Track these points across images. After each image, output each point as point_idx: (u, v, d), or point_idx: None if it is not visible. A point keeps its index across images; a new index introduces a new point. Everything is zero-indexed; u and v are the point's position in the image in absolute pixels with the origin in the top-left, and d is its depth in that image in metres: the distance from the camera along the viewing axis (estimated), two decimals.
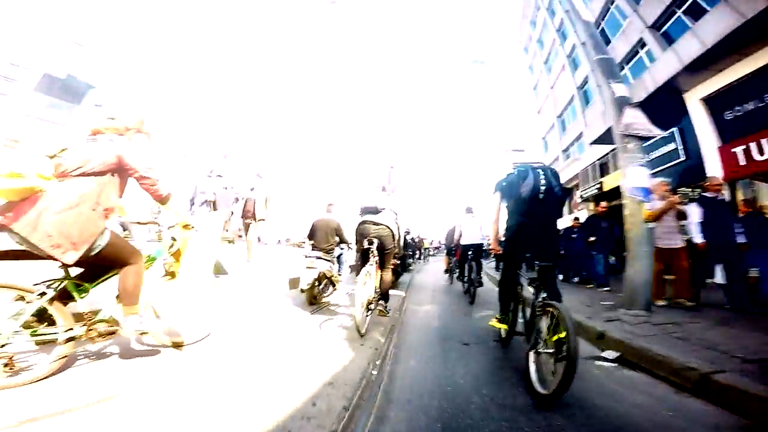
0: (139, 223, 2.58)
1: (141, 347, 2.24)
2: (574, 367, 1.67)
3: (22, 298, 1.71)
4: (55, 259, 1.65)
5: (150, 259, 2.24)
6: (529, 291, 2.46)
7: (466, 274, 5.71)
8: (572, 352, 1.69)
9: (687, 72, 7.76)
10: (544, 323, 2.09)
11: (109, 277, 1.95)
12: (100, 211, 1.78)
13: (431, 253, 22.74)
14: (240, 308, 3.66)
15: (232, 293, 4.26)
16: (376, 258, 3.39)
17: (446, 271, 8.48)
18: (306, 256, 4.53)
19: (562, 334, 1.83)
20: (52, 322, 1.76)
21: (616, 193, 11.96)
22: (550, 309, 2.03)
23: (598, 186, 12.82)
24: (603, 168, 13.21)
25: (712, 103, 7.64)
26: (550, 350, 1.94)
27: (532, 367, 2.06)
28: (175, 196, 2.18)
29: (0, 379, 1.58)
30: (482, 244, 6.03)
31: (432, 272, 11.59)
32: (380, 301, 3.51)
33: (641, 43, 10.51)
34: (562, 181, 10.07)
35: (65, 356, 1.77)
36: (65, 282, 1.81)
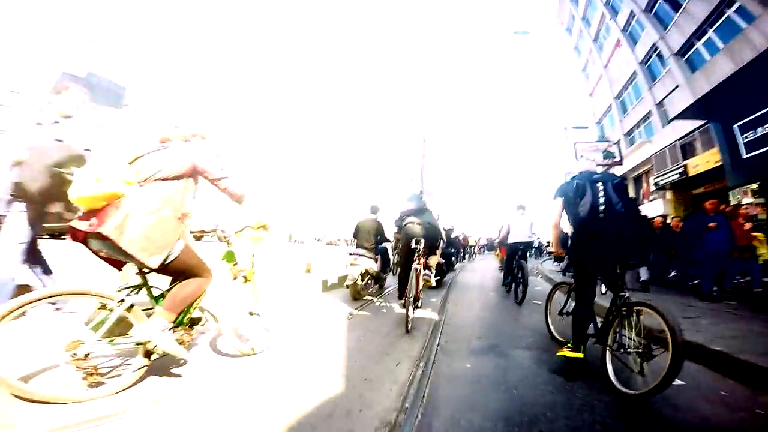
0: (203, 232, 2.81)
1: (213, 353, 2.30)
2: (681, 362, 1.67)
3: (103, 306, 1.71)
4: (141, 263, 1.66)
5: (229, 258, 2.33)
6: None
7: (514, 273, 5.49)
8: (678, 344, 1.69)
9: None
10: (629, 323, 2.09)
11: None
12: (179, 215, 1.81)
13: (477, 251, 21.68)
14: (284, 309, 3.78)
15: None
16: (423, 257, 3.55)
17: (501, 269, 7.95)
18: (350, 254, 4.86)
19: (663, 331, 1.80)
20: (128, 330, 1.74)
21: (705, 177, 10.43)
22: (640, 308, 2.03)
23: (681, 170, 11.25)
24: (686, 149, 11.59)
25: None
26: (639, 349, 1.96)
27: (610, 368, 2.06)
28: (249, 195, 2.15)
29: (85, 391, 1.56)
30: (532, 242, 5.79)
31: (480, 271, 10.75)
32: (427, 273, 3.66)
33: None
34: (627, 169, 14.12)
35: (146, 365, 1.76)
36: (145, 289, 1.83)
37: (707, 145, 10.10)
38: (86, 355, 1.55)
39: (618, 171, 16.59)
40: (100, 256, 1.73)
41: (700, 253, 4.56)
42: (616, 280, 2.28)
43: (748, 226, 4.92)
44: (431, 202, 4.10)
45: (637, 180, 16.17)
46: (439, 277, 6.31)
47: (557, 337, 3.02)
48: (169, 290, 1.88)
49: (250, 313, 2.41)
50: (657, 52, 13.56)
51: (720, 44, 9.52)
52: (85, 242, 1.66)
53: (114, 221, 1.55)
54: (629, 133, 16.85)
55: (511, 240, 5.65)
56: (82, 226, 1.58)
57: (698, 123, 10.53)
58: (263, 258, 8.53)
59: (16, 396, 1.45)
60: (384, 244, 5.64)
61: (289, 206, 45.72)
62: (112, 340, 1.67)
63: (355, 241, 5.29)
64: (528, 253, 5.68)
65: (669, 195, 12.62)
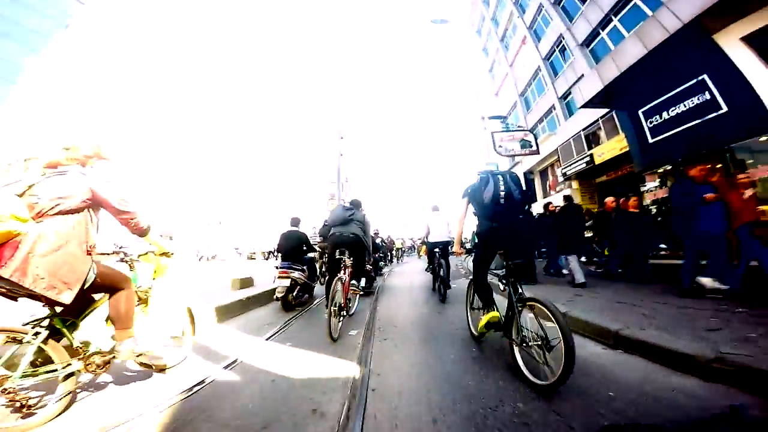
0: (103, 254, 2.22)
1: (130, 372, 2.36)
2: (573, 355, 1.76)
3: (13, 340, 1.71)
4: (51, 302, 1.67)
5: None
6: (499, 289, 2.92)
7: (436, 272, 5.66)
8: (569, 340, 1.78)
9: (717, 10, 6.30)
10: (526, 317, 2.22)
11: (94, 309, 1.98)
12: (85, 248, 1.77)
13: (403, 253, 20.67)
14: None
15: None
16: (349, 267, 3.72)
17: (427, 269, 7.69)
18: (277, 267, 4.97)
19: (552, 325, 1.91)
20: (47, 360, 1.77)
21: (611, 164, 10.70)
22: (532, 303, 2.15)
23: (587, 159, 11.47)
24: (590, 138, 11.92)
25: (757, 41, 6.25)
26: (539, 342, 2.05)
27: (520, 361, 2.18)
28: (154, 225, 2.12)
29: (15, 422, 1.61)
30: (449, 242, 5.81)
31: (408, 274, 9.93)
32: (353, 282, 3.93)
33: None
34: (534, 163, 16.75)
35: (70, 392, 1.81)
36: (53, 319, 1.81)
37: (612, 132, 10.31)
38: (13, 390, 1.60)
39: (528, 163, 17.13)
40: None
41: (688, 234, 3.47)
42: (509, 276, 2.44)
43: (749, 193, 3.56)
44: (361, 210, 4.39)
45: (543, 173, 16.81)
46: (368, 284, 6.15)
47: (472, 330, 3.08)
48: (90, 312, 1.97)
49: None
50: (560, 45, 13.99)
51: (624, 32, 9.66)
52: None
53: (13, 263, 1.52)
54: (533, 128, 17.51)
55: (430, 239, 5.78)
56: None
57: (602, 112, 10.74)
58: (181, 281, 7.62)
59: None
60: (310, 254, 5.75)
61: (199, 220, 39.33)
62: (35, 371, 1.69)
63: (280, 254, 5.41)
64: (449, 252, 5.81)
65: (575, 184, 13.01)
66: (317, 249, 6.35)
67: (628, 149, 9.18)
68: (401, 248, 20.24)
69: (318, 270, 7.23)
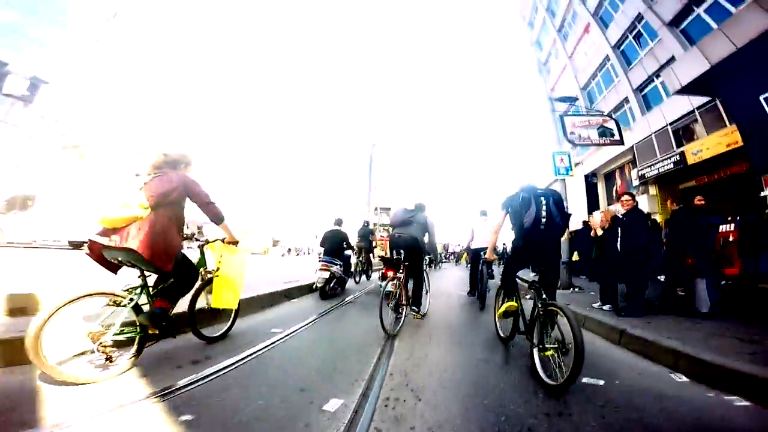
0: (186, 237, 2.60)
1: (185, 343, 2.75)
2: (582, 360, 1.91)
3: (113, 303, 2.14)
4: (158, 269, 2.22)
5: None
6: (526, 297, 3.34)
7: (478, 279, 5.50)
8: (579, 344, 1.94)
9: None
10: (546, 322, 2.39)
11: (167, 286, 2.42)
12: (180, 231, 2.39)
13: (444, 259, 19.51)
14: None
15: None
16: (405, 265, 3.85)
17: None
18: (320, 260, 5.63)
19: (567, 331, 2.05)
20: (130, 324, 2.18)
21: (708, 165, 8.84)
22: (552, 308, 2.33)
23: (676, 158, 9.62)
24: (682, 134, 10.03)
25: None
26: (554, 345, 2.23)
27: (538, 362, 2.32)
28: (227, 218, 2.69)
29: (99, 373, 2.00)
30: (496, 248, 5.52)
31: (448, 280, 9.10)
32: (413, 307, 4.02)
33: None
34: (600, 164, 14.71)
35: (141, 352, 2.22)
36: (143, 289, 2.29)
37: (714, 125, 8.50)
38: (105, 344, 2.00)
39: (592, 164, 15.19)
40: (101, 263, 2.19)
41: None
42: (536, 283, 2.65)
43: None
44: (423, 214, 4.38)
45: (609, 176, 14.82)
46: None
47: (500, 332, 3.28)
48: (164, 287, 2.40)
49: (209, 307, 2.94)
50: (635, 31, 12.17)
51: (730, 6, 7.91)
52: (99, 254, 2.15)
53: (138, 239, 2.05)
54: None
55: (474, 246, 5.71)
56: (104, 240, 2.08)
57: (697, 102, 8.93)
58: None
59: (53, 380, 1.82)
60: (347, 252, 6.25)
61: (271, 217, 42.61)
62: (122, 331, 2.11)
63: (323, 248, 5.96)
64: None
65: (653, 190, 11.11)
66: (354, 247, 6.82)
67: (739, 145, 7.42)
68: (441, 253, 19.14)
69: (353, 267, 7.62)
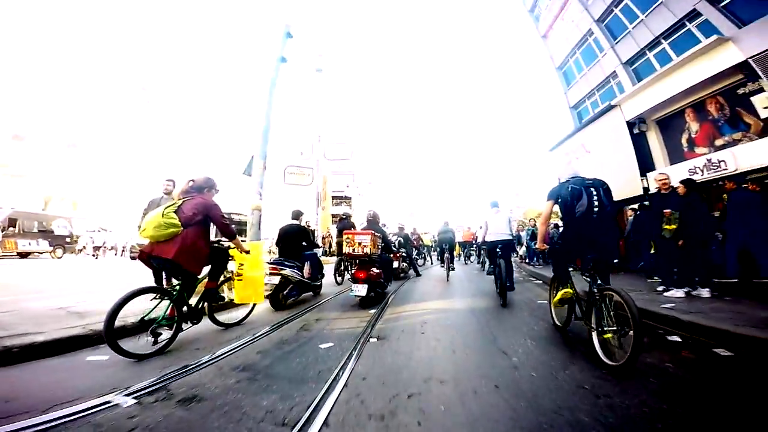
0: (213, 243, 3.46)
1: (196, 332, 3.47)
2: (642, 338, 2.12)
3: (161, 297, 2.99)
4: (191, 274, 3.05)
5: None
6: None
7: (496, 273, 5.42)
8: (639, 326, 2.11)
9: None
10: (604, 306, 2.51)
11: (209, 272, 3.46)
12: (207, 245, 3.15)
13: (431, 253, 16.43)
14: None
15: None
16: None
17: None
18: (268, 263, 4.85)
19: (626, 313, 2.21)
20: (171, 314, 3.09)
21: None
22: (608, 292, 2.49)
23: None
24: None
25: None
26: (614, 328, 2.38)
27: (597, 345, 2.49)
28: (235, 234, 3.49)
29: (148, 349, 2.77)
30: (511, 240, 5.78)
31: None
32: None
33: None
34: (650, 105, 11.21)
35: (177, 334, 3.04)
36: (182, 287, 3.11)
37: None
38: (153, 327, 2.87)
39: (635, 106, 11.30)
40: (149, 266, 3.11)
41: None
42: (592, 270, 2.79)
43: None
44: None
45: (670, 122, 10.84)
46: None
47: (555, 321, 3.48)
48: (208, 273, 3.46)
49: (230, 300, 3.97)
50: None
51: None
52: (146, 260, 3.00)
53: (175, 251, 2.81)
54: (653, 44, 11.64)
55: (489, 238, 5.69)
56: (155, 250, 2.88)
57: None
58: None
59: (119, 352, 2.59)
60: (314, 250, 5.73)
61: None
62: (165, 318, 2.98)
63: (278, 248, 5.53)
64: (511, 251, 5.89)
65: None
66: (320, 245, 7.02)
67: None
68: (430, 246, 16.21)
69: (335, 268, 7.69)
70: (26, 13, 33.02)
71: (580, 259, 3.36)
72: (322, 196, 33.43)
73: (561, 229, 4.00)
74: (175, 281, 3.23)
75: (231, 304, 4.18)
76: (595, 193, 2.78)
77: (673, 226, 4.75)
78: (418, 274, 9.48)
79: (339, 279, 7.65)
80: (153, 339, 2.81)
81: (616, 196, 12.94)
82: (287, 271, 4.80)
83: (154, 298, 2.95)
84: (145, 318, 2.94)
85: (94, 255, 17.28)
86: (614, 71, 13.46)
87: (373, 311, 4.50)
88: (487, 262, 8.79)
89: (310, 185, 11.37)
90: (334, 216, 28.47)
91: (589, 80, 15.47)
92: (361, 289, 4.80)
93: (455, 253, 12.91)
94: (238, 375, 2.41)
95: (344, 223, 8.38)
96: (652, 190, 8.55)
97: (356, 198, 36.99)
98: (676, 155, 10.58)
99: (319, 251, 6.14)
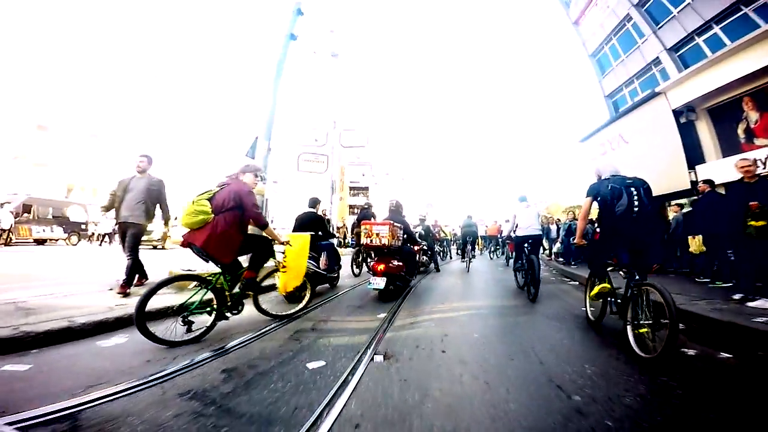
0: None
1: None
2: (677, 331, 2.16)
3: (200, 285, 2.97)
4: (219, 261, 2.97)
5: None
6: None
7: (526, 267, 5.20)
8: (675, 320, 2.15)
9: None
10: (640, 300, 2.57)
11: (250, 261, 3.36)
12: (240, 233, 3.06)
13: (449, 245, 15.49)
14: None
15: None
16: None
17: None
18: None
19: (662, 307, 2.28)
20: (209, 301, 3.01)
21: None
22: (645, 287, 2.55)
23: None
24: None
25: None
26: (649, 321, 2.45)
27: (632, 338, 2.57)
28: (269, 224, 3.49)
29: (182, 336, 2.71)
30: (540, 235, 5.70)
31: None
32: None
33: None
34: (702, 92, 9.70)
35: (214, 323, 3.00)
36: (221, 275, 3.04)
37: None
38: (188, 315, 2.79)
39: (685, 93, 10.20)
40: (198, 254, 2.99)
41: None
42: (630, 266, 2.87)
43: None
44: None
45: (724, 111, 9.77)
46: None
47: (589, 316, 3.53)
48: (250, 262, 3.35)
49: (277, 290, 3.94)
50: None
51: None
52: (189, 247, 2.92)
53: (205, 238, 2.80)
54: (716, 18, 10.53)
55: (518, 233, 5.52)
56: (190, 237, 2.86)
57: None
58: None
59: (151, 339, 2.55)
60: (330, 240, 5.49)
61: None
62: (202, 306, 2.91)
63: None
64: (539, 247, 5.80)
65: None
66: (336, 235, 6.49)
67: None
68: (451, 239, 15.16)
69: (352, 259, 7.56)
70: (50, 7, 33.79)
71: (617, 256, 3.46)
72: (339, 186, 33.22)
73: (596, 226, 3.96)
74: (215, 269, 3.14)
75: (295, 296, 4.03)
76: (635, 192, 2.82)
77: (762, 222, 3.90)
78: (437, 269, 8.82)
79: (357, 270, 7.44)
80: (186, 327, 2.74)
81: (659, 190, 11.72)
82: None
83: (196, 285, 2.99)
84: (184, 305, 2.81)
85: (99, 242, 17.10)
86: (657, 57, 12.31)
87: (383, 315, 3.84)
88: (512, 258, 8.07)
89: (325, 173, 10.76)
90: (351, 207, 28.01)
91: (628, 67, 14.28)
92: (380, 282, 4.66)
93: (478, 248, 12.58)
94: (181, 405, 1.72)
95: (365, 213, 7.93)
96: (723, 179, 7.51)
97: (373, 188, 36.37)
98: (730, 147, 9.44)
99: (335, 241, 5.83)
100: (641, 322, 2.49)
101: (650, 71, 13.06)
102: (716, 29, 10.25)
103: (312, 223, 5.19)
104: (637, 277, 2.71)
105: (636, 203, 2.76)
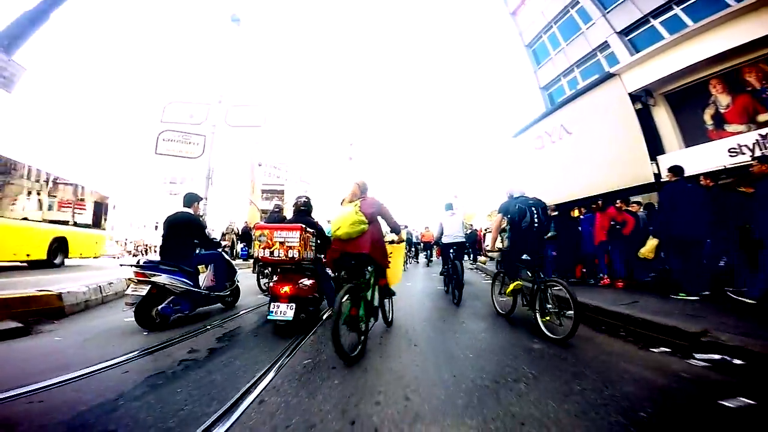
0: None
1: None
2: (580, 315, 2.90)
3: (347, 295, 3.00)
4: (381, 265, 3.15)
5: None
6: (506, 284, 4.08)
7: (450, 273, 5.66)
8: (577, 306, 2.86)
9: None
10: (547, 293, 3.31)
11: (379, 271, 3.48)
12: (386, 239, 3.37)
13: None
14: None
15: None
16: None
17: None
18: (135, 265, 3.57)
19: (566, 297, 2.95)
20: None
21: None
22: (551, 283, 3.31)
23: None
24: None
25: None
26: (556, 310, 3.19)
27: (542, 325, 3.26)
28: (401, 228, 3.71)
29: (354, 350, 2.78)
30: (464, 242, 5.85)
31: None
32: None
33: None
34: (659, 76, 8.90)
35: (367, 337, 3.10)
36: (371, 278, 3.20)
37: None
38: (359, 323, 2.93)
39: (641, 77, 8.92)
40: (336, 262, 3.10)
41: None
42: (533, 267, 3.57)
43: None
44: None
45: (683, 97, 8.59)
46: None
47: (499, 310, 4.30)
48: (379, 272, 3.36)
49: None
50: None
51: None
52: (338, 259, 3.05)
53: (367, 246, 2.92)
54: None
55: (444, 240, 5.71)
56: (347, 248, 2.96)
57: None
58: None
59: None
60: (218, 250, 4.48)
61: None
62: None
63: (161, 246, 3.96)
64: (464, 253, 6.52)
65: None
66: (220, 242, 4.68)
67: None
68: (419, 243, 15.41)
69: (258, 272, 6.27)
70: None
71: (523, 260, 3.80)
72: (250, 189, 28.58)
73: (507, 235, 4.44)
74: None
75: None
76: (535, 212, 3.67)
77: None
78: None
79: (264, 284, 6.01)
80: (357, 337, 2.78)
81: (617, 185, 10.22)
82: (162, 278, 3.53)
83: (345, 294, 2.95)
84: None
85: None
86: (605, 42, 11.23)
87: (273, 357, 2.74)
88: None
89: (200, 157, 7.37)
90: (264, 211, 24.00)
91: (568, 55, 13.24)
92: (286, 311, 3.38)
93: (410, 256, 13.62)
94: None
95: (274, 217, 5.86)
96: (689, 172, 5.76)
97: (290, 190, 32.10)
98: (695, 135, 8.30)
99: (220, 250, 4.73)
100: (549, 310, 3.24)
101: (595, 57, 12.04)
102: (676, 10, 9.24)
103: (184, 226, 4.00)
104: (541, 275, 3.50)
105: (536, 220, 3.64)
